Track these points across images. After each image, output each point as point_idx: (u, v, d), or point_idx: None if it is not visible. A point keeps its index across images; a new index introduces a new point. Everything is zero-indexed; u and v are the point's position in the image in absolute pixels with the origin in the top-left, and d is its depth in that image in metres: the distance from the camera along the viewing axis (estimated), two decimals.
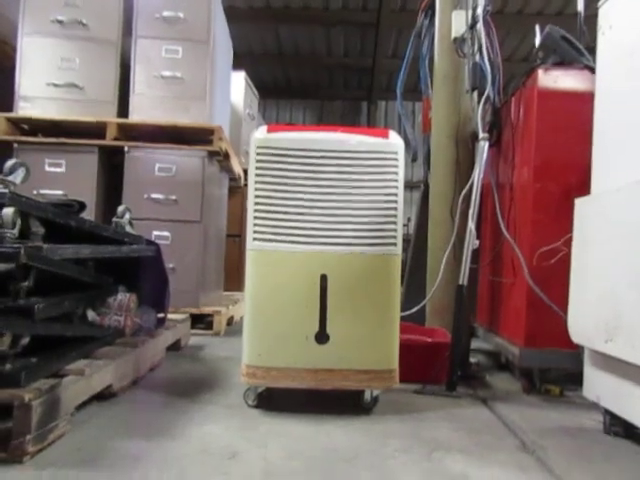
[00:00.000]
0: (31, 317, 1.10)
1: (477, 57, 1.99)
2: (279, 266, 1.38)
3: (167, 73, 2.65)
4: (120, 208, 1.87)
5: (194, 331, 2.51)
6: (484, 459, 1.13)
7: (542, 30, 1.89)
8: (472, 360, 2.06)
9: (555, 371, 1.71)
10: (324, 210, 1.39)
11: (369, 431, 1.28)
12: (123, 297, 1.68)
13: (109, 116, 2.62)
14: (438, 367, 1.74)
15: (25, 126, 2.68)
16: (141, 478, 0.96)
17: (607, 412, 1.31)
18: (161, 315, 2.00)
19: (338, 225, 1.39)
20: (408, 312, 2.04)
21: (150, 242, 1.93)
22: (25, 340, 1.18)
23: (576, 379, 1.50)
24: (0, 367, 1.08)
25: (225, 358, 2.07)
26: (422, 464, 1.09)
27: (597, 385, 1.34)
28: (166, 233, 2.55)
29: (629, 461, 1.17)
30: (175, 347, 2.13)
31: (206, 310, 2.63)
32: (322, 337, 1.38)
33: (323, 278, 1.38)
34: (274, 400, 1.44)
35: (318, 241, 1.39)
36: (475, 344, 2.25)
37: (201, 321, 2.73)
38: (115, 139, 2.58)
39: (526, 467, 1.09)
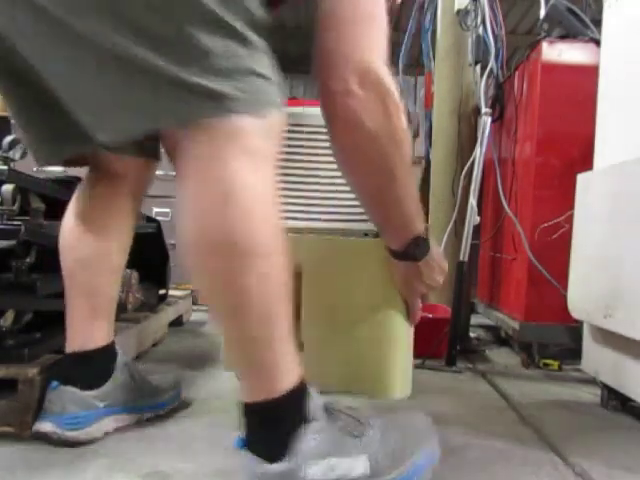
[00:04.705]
0: (33, 293, 1.11)
1: (480, 30, 1.96)
2: None
3: None
4: None
5: (196, 307, 2.53)
6: (483, 432, 1.14)
7: (547, 2, 1.85)
8: (472, 335, 2.08)
9: (554, 345, 1.73)
10: (323, 187, 1.38)
11: (370, 405, 1.30)
12: (125, 273, 1.68)
13: None
14: (438, 342, 1.75)
15: None
16: (147, 449, 0.98)
17: (605, 386, 1.33)
18: (162, 291, 2.01)
19: (336, 202, 1.38)
20: None
21: (150, 219, 1.93)
22: (28, 316, 1.18)
23: (575, 354, 1.52)
24: (3, 343, 1.09)
25: None
26: None
27: (596, 360, 1.36)
28: (166, 209, 2.54)
29: (624, 434, 1.18)
30: (177, 323, 2.14)
31: None
32: (296, 343, 1.05)
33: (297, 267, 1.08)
34: None
35: (312, 217, 1.37)
36: (475, 319, 2.27)
37: None
38: None
39: (524, 439, 1.11)
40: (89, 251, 1.02)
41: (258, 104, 0.72)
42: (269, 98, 0.74)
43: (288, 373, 0.75)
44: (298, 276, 1.03)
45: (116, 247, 1.07)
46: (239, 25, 0.70)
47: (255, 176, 0.72)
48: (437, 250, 0.98)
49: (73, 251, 1.03)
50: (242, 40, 0.70)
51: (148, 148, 1.07)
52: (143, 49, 0.65)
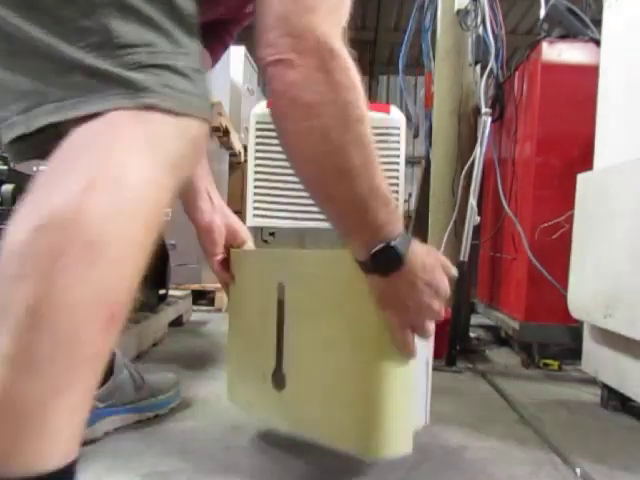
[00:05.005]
0: None
1: (480, 30, 1.96)
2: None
3: None
4: None
5: (196, 307, 2.53)
6: (483, 432, 1.14)
7: (547, 2, 1.85)
8: (472, 335, 2.08)
9: (554, 345, 1.72)
10: None
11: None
12: None
13: None
14: (438, 342, 1.75)
15: None
16: (147, 449, 0.98)
17: (605, 386, 1.33)
18: (162, 291, 2.01)
19: None
20: None
21: None
22: None
23: (575, 354, 1.52)
24: None
25: (227, 334, 2.08)
26: (422, 437, 1.10)
27: (596, 359, 1.36)
28: (166, 209, 2.54)
29: (624, 434, 1.18)
30: (177, 323, 2.14)
31: (208, 286, 2.65)
32: (278, 378, 0.89)
33: (281, 288, 0.89)
34: None
35: (312, 217, 1.36)
36: (475, 319, 2.27)
37: (203, 297, 2.75)
38: None
39: (524, 439, 1.11)
40: None
41: (178, 102, 0.62)
42: (192, 102, 0.64)
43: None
44: (280, 300, 0.88)
45: None
46: (166, 22, 0.63)
47: (150, 174, 0.60)
48: (427, 263, 0.72)
49: None
50: (169, 38, 0.64)
51: None
52: (57, 39, 0.60)
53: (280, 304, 0.88)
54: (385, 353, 0.75)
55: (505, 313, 1.92)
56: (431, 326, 0.75)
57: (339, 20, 0.68)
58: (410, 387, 0.78)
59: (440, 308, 0.74)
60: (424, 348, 0.80)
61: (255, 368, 0.94)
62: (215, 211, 0.98)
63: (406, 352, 0.75)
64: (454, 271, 0.76)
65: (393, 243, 0.69)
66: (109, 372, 1.06)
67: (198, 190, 0.97)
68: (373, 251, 0.69)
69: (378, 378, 0.75)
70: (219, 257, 0.97)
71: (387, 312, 0.74)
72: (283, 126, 0.69)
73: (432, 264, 0.73)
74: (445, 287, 0.73)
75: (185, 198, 1.00)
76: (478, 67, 2.06)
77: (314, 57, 0.64)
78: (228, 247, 0.99)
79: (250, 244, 1.01)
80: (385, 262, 0.70)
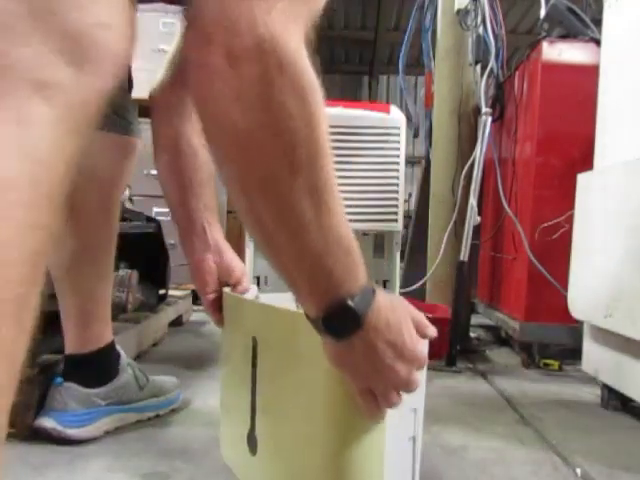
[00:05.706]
0: None
1: (480, 29, 1.96)
2: None
3: (165, 47, 2.62)
4: None
5: (196, 307, 2.52)
6: (483, 432, 1.14)
7: (547, 1, 1.85)
8: (472, 335, 2.08)
9: (554, 345, 1.72)
10: None
11: None
12: (124, 274, 1.69)
13: None
14: (438, 342, 1.75)
15: None
16: (147, 449, 0.98)
17: (605, 386, 1.33)
18: (162, 291, 2.01)
19: None
20: (409, 288, 2.05)
21: (150, 219, 1.93)
22: None
23: (575, 354, 1.52)
24: None
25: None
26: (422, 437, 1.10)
27: (596, 359, 1.36)
28: (166, 209, 2.53)
29: (624, 434, 1.18)
30: (177, 323, 2.14)
31: None
32: (252, 441, 0.79)
33: None
34: None
35: None
36: (475, 319, 2.27)
37: None
38: None
39: (525, 439, 1.11)
40: (69, 256, 0.99)
41: None
42: None
43: None
44: (254, 350, 0.78)
45: (99, 250, 1.04)
46: None
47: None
48: (392, 320, 0.58)
49: (53, 255, 0.97)
50: None
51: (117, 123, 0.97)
52: None
53: (254, 360, 0.78)
54: (345, 424, 0.63)
55: (505, 313, 1.92)
56: (395, 396, 0.59)
57: (301, 10, 0.49)
58: (380, 465, 0.65)
59: (408, 374, 0.58)
60: (407, 421, 0.69)
61: (237, 424, 0.83)
62: (208, 249, 0.89)
63: (371, 419, 0.62)
64: (431, 331, 0.63)
65: (350, 302, 0.54)
66: (114, 372, 1.06)
67: (193, 225, 0.91)
68: (325, 311, 0.55)
69: (341, 453, 0.63)
70: (210, 296, 0.89)
71: (344, 375, 0.60)
72: (212, 152, 0.52)
73: (398, 321, 0.58)
74: (413, 348, 0.59)
75: (180, 231, 0.94)
76: (478, 67, 2.06)
77: (252, 66, 0.45)
78: (223, 285, 0.90)
79: (246, 283, 0.91)
80: (339, 324, 0.55)
